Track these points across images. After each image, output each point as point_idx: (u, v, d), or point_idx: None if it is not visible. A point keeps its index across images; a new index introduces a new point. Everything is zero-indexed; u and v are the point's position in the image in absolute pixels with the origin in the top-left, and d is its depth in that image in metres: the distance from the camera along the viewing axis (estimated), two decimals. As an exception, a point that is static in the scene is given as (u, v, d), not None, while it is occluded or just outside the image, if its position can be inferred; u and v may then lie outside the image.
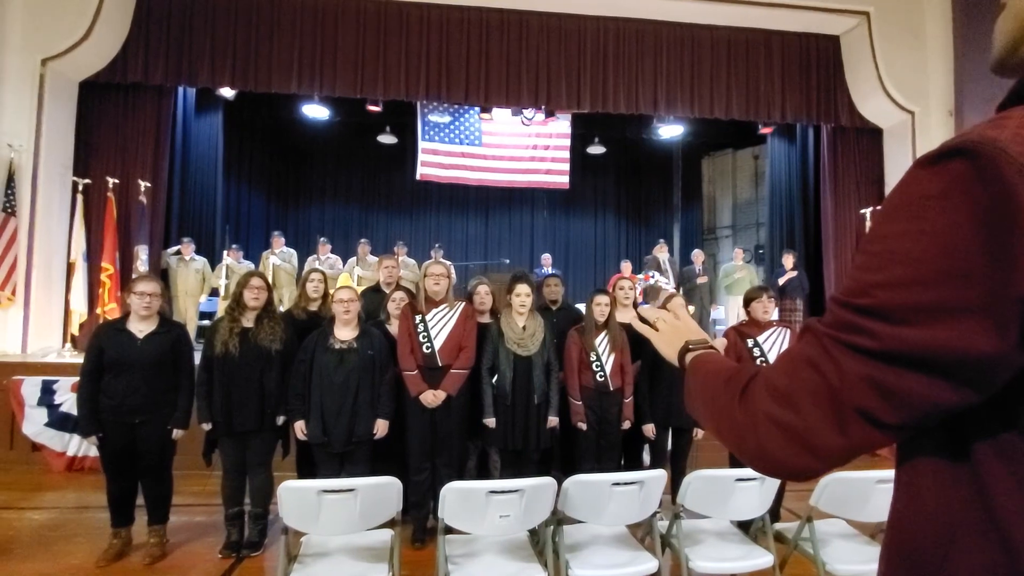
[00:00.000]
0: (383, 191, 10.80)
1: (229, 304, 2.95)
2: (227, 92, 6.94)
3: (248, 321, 2.88)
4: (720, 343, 0.82)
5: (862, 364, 0.45)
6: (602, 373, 3.15)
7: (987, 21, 0.57)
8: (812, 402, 0.47)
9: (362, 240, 7.17)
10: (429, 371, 2.98)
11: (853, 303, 0.46)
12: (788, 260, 6.58)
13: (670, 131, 8.82)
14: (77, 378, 2.80)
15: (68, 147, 5.57)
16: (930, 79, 6.15)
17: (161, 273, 6.02)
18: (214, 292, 6.50)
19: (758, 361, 3.10)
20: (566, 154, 8.68)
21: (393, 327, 3.18)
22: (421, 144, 8.38)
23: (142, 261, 5.68)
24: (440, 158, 8.45)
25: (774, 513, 2.66)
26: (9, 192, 5.05)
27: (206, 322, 6.17)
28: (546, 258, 8.21)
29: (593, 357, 3.16)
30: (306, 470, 3.10)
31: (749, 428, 0.52)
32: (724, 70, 6.39)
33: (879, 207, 0.49)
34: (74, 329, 5.43)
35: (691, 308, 4.98)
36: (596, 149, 9.68)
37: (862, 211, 6.52)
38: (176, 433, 2.80)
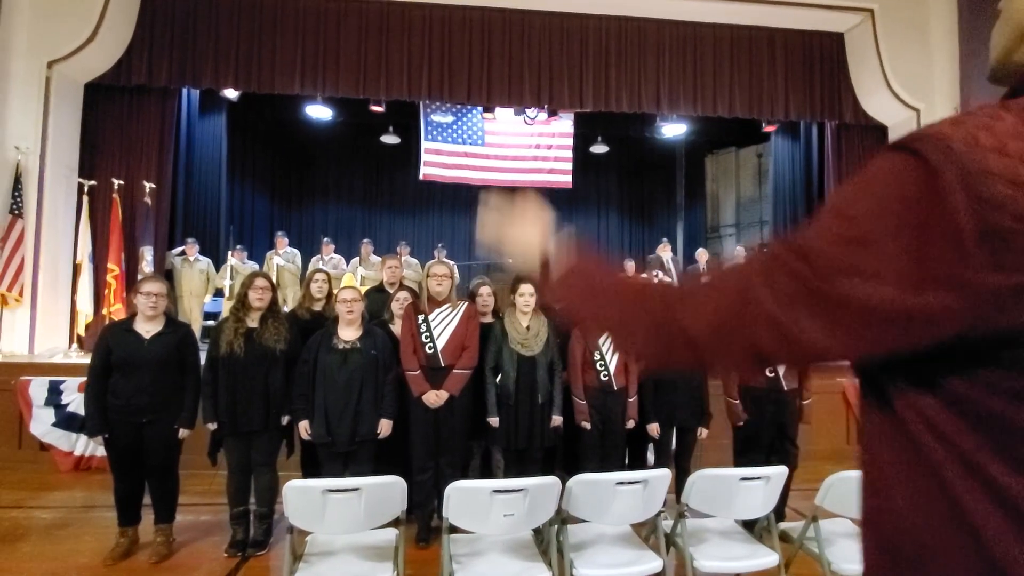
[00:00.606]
0: (386, 191, 10.81)
1: (233, 305, 2.97)
2: (231, 93, 6.97)
3: (253, 321, 2.90)
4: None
5: (772, 297, 0.49)
6: (606, 372, 3.14)
7: (992, 16, 0.57)
8: (713, 307, 0.53)
9: (365, 240, 7.19)
10: (432, 371, 2.99)
11: (790, 243, 0.50)
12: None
13: (673, 130, 8.80)
14: (84, 378, 2.82)
15: (74, 149, 5.61)
16: (935, 76, 6.11)
17: (166, 274, 6.06)
18: (218, 293, 6.53)
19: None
20: (569, 153, 8.67)
21: (397, 327, 3.18)
22: (424, 144, 8.39)
23: (147, 262, 5.71)
24: (443, 158, 8.46)
25: (779, 512, 2.66)
26: (16, 194, 5.09)
27: (211, 322, 6.19)
28: (549, 257, 8.18)
29: (597, 356, 3.16)
30: (311, 470, 3.12)
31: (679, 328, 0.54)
32: (727, 68, 6.37)
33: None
34: (80, 330, 5.46)
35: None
36: (599, 148, 9.67)
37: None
38: (182, 433, 2.82)
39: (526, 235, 0.75)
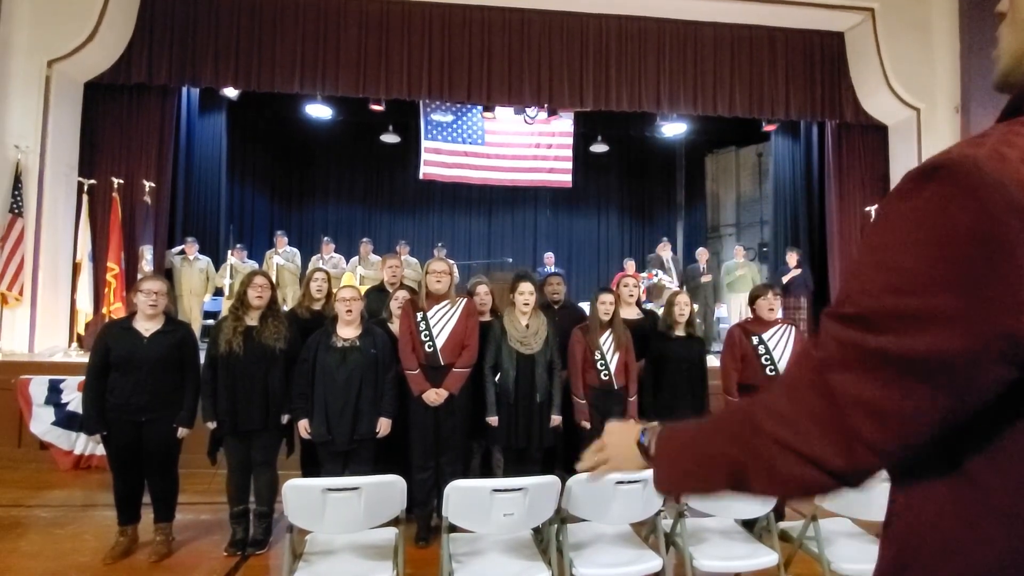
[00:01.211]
0: (386, 190, 10.81)
1: (233, 303, 2.97)
2: (230, 92, 6.96)
3: (252, 320, 2.89)
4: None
5: (851, 379, 0.46)
6: (606, 372, 3.14)
7: (995, 20, 0.55)
8: (814, 425, 0.48)
9: (364, 239, 7.18)
10: (432, 370, 2.98)
11: (839, 312, 0.48)
12: (792, 258, 6.55)
13: (673, 129, 8.79)
14: (83, 377, 2.82)
15: (74, 148, 5.60)
16: (936, 75, 6.10)
17: (166, 273, 6.05)
18: (218, 292, 6.53)
19: (763, 359, 3.09)
20: (569, 152, 8.66)
21: (396, 326, 3.18)
22: (424, 143, 8.38)
23: (147, 261, 5.71)
24: (443, 157, 8.45)
25: (779, 512, 2.65)
26: (16, 193, 5.09)
27: (210, 321, 6.19)
28: (549, 257, 8.20)
29: (597, 356, 3.16)
30: (310, 469, 3.12)
31: (775, 451, 0.50)
32: (727, 67, 6.36)
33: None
34: (80, 328, 5.46)
35: (695, 306, 4.94)
36: (599, 147, 9.66)
37: (867, 208, 6.48)
38: (181, 432, 2.82)
39: (621, 447, 0.77)
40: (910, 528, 0.52)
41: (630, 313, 3.48)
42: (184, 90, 6.58)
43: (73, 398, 4.11)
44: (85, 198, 5.54)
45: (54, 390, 4.17)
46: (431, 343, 3.00)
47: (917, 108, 6.14)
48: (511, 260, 9.75)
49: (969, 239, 0.41)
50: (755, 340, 3.12)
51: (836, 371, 0.47)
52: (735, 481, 0.56)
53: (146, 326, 2.78)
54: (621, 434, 0.77)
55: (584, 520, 2.20)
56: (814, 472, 0.48)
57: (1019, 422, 0.44)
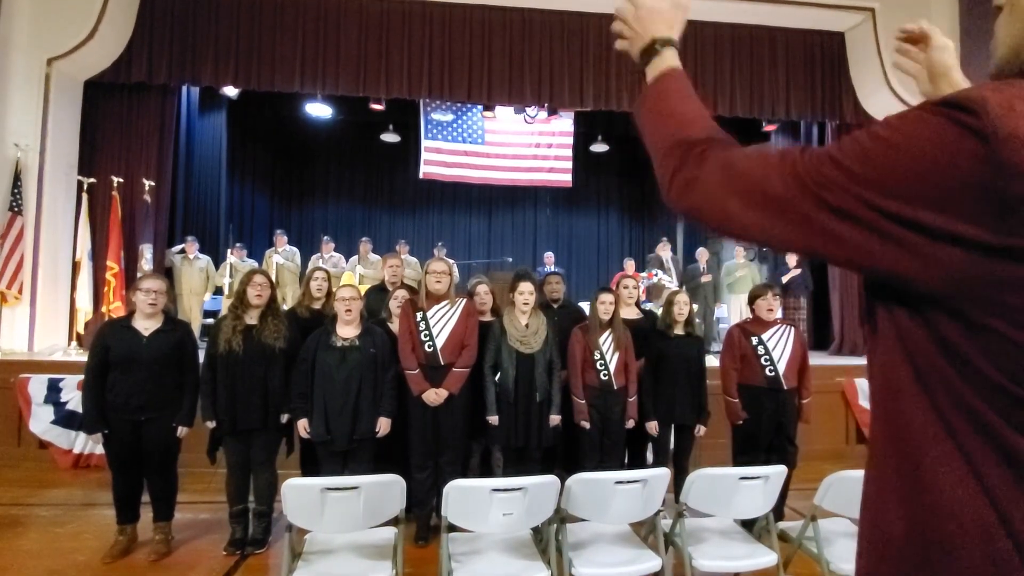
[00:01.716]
0: (386, 189, 10.81)
1: (232, 302, 2.96)
2: (231, 91, 6.96)
3: (252, 319, 2.89)
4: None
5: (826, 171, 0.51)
6: (606, 372, 3.14)
7: (992, 14, 0.56)
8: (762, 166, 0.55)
9: (364, 239, 7.18)
10: (431, 369, 2.98)
11: (837, 158, 0.51)
12: (791, 258, 6.55)
13: (673, 129, 8.77)
14: (83, 376, 2.81)
15: (73, 146, 5.60)
16: (936, 76, 6.09)
17: (165, 272, 6.05)
18: (218, 291, 6.53)
19: (763, 360, 3.09)
20: (569, 152, 8.66)
21: (395, 325, 3.18)
22: (424, 142, 8.38)
23: (147, 260, 5.71)
24: (443, 156, 8.45)
25: (778, 512, 2.66)
26: (15, 191, 5.09)
27: (210, 320, 6.19)
28: (549, 256, 8.20)
29: (597, 356, 3.16)
30: (310, 468, 3.12)
31: (689, 180, 0.59)
32: (728, 67, 6.36)
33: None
34: (80, 327, 5.46)
35: (695, 306, 4.95)
36: (599, 147, 9.66)
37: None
38: (181, 431, 2.82)
39: (640, 21, 0.76)
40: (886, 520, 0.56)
41: (629, 313, 3.49)
42: (184, 89, 6.58)
43: (72, 397, 4.11)
44: (85, 197, 5.53)
45: (53, 389, 4.17)
46: (431, 343, 3.00)
47: (917, 108, 6.14)
48: (511, 260, 9.76)
49: (958, 162, 0.45)
50: (754, 340, 3.12)
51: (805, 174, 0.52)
52: (654, 139, 0.66)
53: (145, 325, 2.77)
54: (646, 14, 0.77)
55: (583, 520, 2.20)
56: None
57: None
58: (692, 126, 0.64)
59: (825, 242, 0.51)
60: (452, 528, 2.08)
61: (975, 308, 0.47)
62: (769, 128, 7.85)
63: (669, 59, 0.73)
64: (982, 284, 0.46)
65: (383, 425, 2.89)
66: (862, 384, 4.67)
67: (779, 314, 3.30)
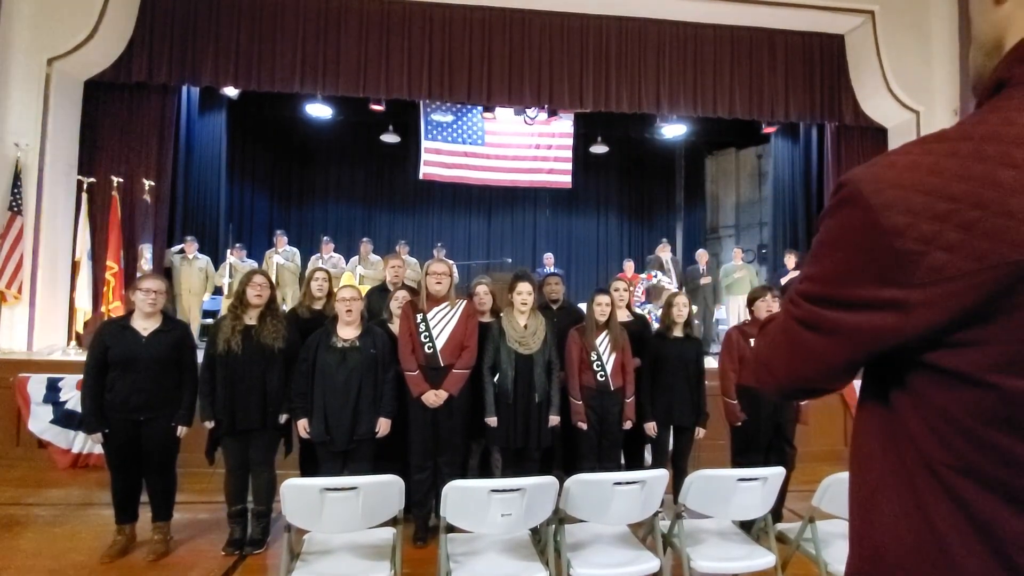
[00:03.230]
0: (386, 190, 10.81)
1: (232, 302, 2.96)
2: (231, 91, 6.96)
3: (251, 319, 2.89)
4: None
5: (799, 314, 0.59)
6: (603, 373, 3.15)
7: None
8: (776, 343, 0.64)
9: (364, 239, 7.19)
10: (431, 371, 2.99)
11: (797, 289, 0.60)
12: (790, 260, 6.56)
13: (673, 130, 8.80)
14: (82, 376, 2.81)
15: (73, 146, 5.60)
16: (935, 78, 6.11)
17: (165, 272, 6.05)
18: (217, 291, 6.53)
19: (760, 361, 3.09)
20: (569, 153, 8.67)
21: (395, 326, 3.18)
22: (424, 143, 8.39)
23: (146, 260, 5.71)
24: (443, 157, 8.46)
25: (776, 513, 2.65)
26: (15, 191, 5.09)
27: (209, 320, 6.19)
28: (548, 257, 8.21)
29: (594, 357, 3.16)
30: (309, 468, 3.12)
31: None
32: (727, 69, 6.37)
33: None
34: (79, 327, 5.46)
35: (694, 308, 4.97)
36: (599, 148, 9.67)
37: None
38: (180, 430, 2.82)
39: None
40: (874, 531, 0.61)
41: (620, 316, 3.48)
42: (184, 89, 6.57)
43: (71, 396, 4.11)
44: (84, 196, 5.53)
45: (52, 388, 4.16)
46: (431, 344, 3.00)
47: (916, 110, 6.15)
48: (510, 260, 9.76)
49: (853, 242, 0.52)
50: (753, 342, 3.12)
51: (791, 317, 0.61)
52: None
53: (144, 325, 2.77)
54: None
55: (582, 521, 2.21)
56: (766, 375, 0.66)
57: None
58: None
59: (808, 356, 0.59)
60: (451, 528, 2.08)
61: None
62: (769, 130, 7.87)
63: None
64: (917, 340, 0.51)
65: (383, 426, 2.89)
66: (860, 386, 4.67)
67: (778, 316, 3.30)
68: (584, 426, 3.12)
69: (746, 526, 2.45)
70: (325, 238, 7.23)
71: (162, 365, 2.76)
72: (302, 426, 2.85)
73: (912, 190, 0.49)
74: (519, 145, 8.64)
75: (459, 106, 8.17)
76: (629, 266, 7.51)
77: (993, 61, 0.56)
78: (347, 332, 2.90)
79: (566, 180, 8.75)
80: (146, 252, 5.73)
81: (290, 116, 8.84)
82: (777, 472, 2.26)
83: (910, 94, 6.12)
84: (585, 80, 6.21)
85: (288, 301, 6.16)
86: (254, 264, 6.73)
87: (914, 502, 0.53)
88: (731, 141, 9.86)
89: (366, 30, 5.95)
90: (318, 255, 6.98)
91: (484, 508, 1.99)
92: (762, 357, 0.66)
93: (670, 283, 6.86)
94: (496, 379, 3.07)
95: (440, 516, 2.04)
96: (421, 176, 8.52)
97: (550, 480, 2.05)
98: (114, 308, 5.41)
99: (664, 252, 7.32)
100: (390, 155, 10.12)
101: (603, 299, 3.22)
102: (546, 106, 6.56)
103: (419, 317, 3.04)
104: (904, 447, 0.54)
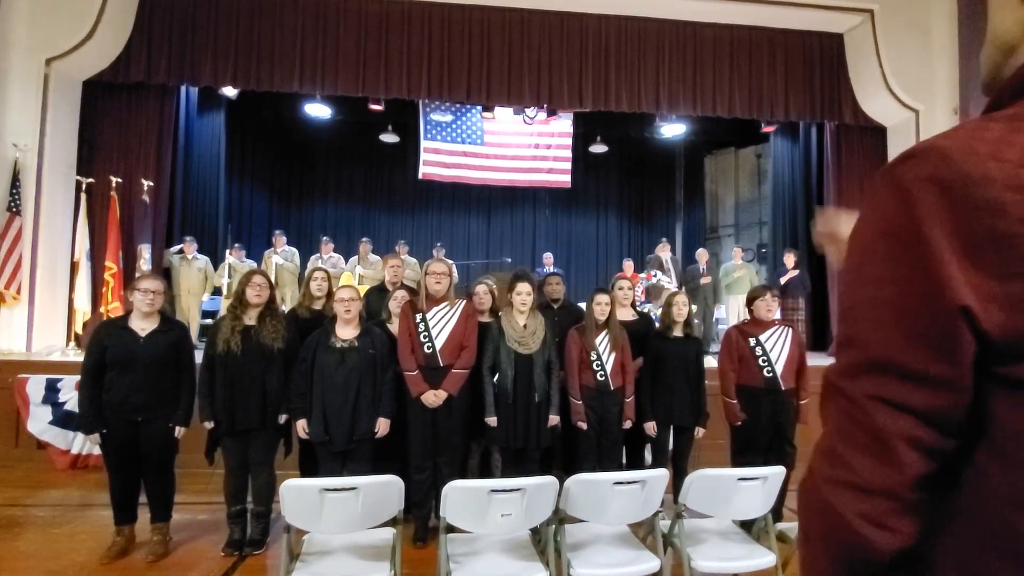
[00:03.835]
0: (385, 190, 10.80)
1: (231, 302, 2.96)
2: (229, 91, 6.95)
3: (250, 319, 2.89)
4: None
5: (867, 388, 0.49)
6: (602, 372, 3.14)
7: (983, 35, 0.62)
8: (856, 448, 0.49)
9: (363, 239, 7.18)
10: (430, 371, 2.98)
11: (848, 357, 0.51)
12: (790, 259, 6.56)
13: (672, 130, 8.80)
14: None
15: (72, 146, 5.59)
16: (935, 77, 6.11)
17: (164, 272, 6.04)
18: (216, 291, 6.52)
19: (760, 361, 3.09)
20: (568, 153, 8.67)
21: (394, 326, 3.18)
22: (423, 143, 8.38)
23: (145, 260, 5.70)
24: (442, 157, 8.45)
25: (777, 513, 2.65)
26: (14, 191, 5.08)
27: (209, 321, 6.19)
28: (548, 257, 8.21)
29: (593, 356, 3.16)
30: (308, 468, 3.11)
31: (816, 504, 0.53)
32: (727, 68, 6.36)
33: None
34: (78, 328, 5.45)
35: (694, 307, 4.96)
36: (598, 148, 9.66)
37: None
38: (178, 431, 2.81)
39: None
40: None
41: (625, 315, 3.48)
42: (183, 89, 6.57)
43: (70, 397, 4.10)
44: (83, 197, 5.52)
45: (51, 389, 4.16)
46: (430, 344, 3.00)
47: (916, 110, 6.15)
48: (510, 260, 9.76)
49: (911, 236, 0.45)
50: (752, 342, 3.12)
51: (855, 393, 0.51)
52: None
53: (142, 325, 2.77)
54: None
55: (582, 520, 2.20)
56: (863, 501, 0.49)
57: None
58: None
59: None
60: (451, 529, 2.08)
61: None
62: (768, 129, 7.87)
63: None
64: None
65: (382, 426, 2.88)
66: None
67: (777, 315, 3.30)
68: (584, 426, 3.11)
69: (746, 526, 2.44)
70: (324, 238, 7.22)
71: (160, 365, 2.75)
72: (301, 426, 2.84)
73: (1018, 166, 0.42)
74: (518, 145, 8.64)
75: (458, 106, 8.16)
76: (628, 266, 7.51)
77: (1015, 59, 0.53)
78: (346, 332, 2.90)
79: (565, 180, 8.75)
80: (145, 252, 5.72)
81: (289, 116, 8.83)
82: (777, 472, 2.26)
83: (909, 93, 6.11)
84: (584, 79, 6.20)
85: (287, 301, 6.16)
86: (253, 264, 6.72)
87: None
88: (730, 140, 9.86)
89: (365, 30, 5.94)
90: (317, 255, 6.97)
91: (484, 508, 1.99)
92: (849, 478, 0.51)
93: (670, 283, 6.85)
94: (496, 379, 3.07)
95: (440, 516, 2.04)
96: (420, 176, 8.52)
97: (550, 480, 2.05)
98: (113, 308, 5.40)
99: (664, 251, 7.32)
100: (389, 155, 10.11)
101: (603, 298, 3.21)
102: (545, 105, 6.55)
103: (418, 317, 3.04)
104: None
